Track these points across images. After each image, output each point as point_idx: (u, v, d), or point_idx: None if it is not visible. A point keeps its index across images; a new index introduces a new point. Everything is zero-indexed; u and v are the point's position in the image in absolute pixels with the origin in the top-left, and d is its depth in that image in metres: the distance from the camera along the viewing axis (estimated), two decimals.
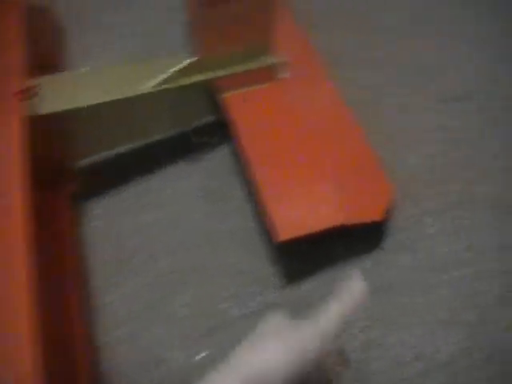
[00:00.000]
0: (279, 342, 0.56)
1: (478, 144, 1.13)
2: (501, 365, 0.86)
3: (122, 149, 1.08)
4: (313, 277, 0.95)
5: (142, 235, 1.01)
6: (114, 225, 1.02)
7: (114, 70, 1.02)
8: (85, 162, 1.05)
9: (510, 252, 0.98)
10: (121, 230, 1.02)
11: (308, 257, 0.96)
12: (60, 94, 0.93)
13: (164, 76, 0.98)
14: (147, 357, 0.89)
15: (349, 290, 0.60)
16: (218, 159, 1.09)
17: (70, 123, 0.93)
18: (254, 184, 0.92)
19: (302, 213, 0.89)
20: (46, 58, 1.13)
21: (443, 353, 0.87)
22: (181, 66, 0.99)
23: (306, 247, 0.96)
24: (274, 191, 0.91)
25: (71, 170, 1.01)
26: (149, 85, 0.97)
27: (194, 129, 1.06)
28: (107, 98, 0.94)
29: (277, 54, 1.05)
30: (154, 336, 0.91)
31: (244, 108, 1.01)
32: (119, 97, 0.95)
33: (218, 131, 1.08)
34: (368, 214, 0.90)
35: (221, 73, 1.01)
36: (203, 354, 0.89)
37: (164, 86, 0.98)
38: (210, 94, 1.03)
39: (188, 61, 0.99)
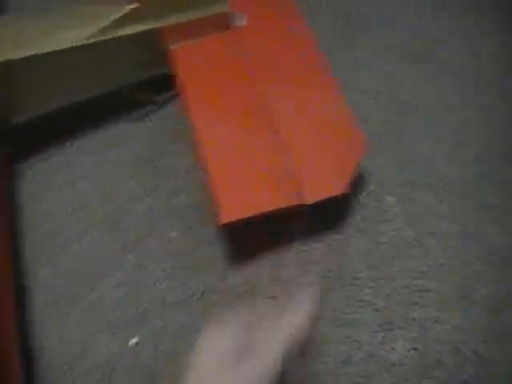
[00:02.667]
0: None
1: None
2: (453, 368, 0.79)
3: (58, 106, 0.95)
4: (257, 260, 0.85)
5: (76, 205, 0.91)
6: (46, 190, 0.92)
7: (45, 17, 0.89)
8: (18, 120, 0.93)
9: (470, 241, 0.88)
10: (53, 196, 0.92)
11: (254, 237, 0.87)
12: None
13: (101, 25, 0.86)
14: (77, 339, 0.80)
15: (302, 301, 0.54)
16: (162, 120, 0.97)
17: (9, 74, 0.82)
18: (199, 153, 0.81)
19: (249, 191, 0.78)
20: None
21: (394, 353, 0.79)
22: (120, 13, 0.86)
23: (251, 226, 0.86)
24: (220, 165, 0.80)
25: (5, 130, 0.90)
26: (83, 35, 0.85)
27: (135, 85, 0.94)
28: (38, 51, 0.82)
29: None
30: (82, 319, 0.82)
31: (193, 61, 0.89)
32: (50, 49, 0.82)
33: (164, 88, 0.96)
34: (327, 189, 0.79)
35: (165, 21, 0.89)
36: (135, 340, 0.81)
37: (100, 38, 0.85)
38: (154, 45, 0.90)
39: (128, 7, 0.86)
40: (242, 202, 0.77)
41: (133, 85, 0.94)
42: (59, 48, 0.84)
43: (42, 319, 0.82)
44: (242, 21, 0.94)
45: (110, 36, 0.86)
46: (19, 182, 0.93)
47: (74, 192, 0.92)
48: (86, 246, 0.87)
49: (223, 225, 0.74)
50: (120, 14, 0.86)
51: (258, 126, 0.83)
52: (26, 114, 0.91)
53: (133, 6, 0.86)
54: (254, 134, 0.83)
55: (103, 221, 0.88)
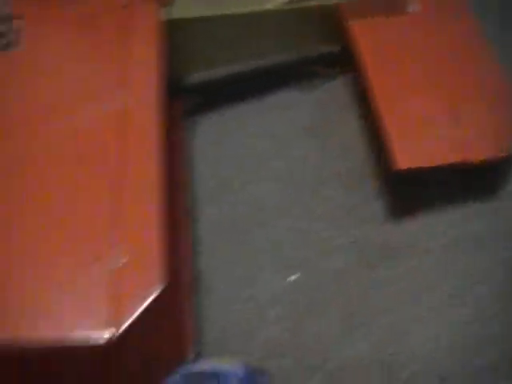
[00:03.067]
0: None
1: None
2: None
3: (236, 69, 1.07)
4: (413, 219, 0.92)
5: (243, 160, 1.00)
6: (218, 145, 1.02)
7: None
8: (197, 78, 1.04)
9: None
10: (224, 150, 1.02)
11: (413, 199, 0.94)
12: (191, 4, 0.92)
13: None
14: (241, 272, 0.89)
15: None
16: (331, 92, 1.06)
17: (197, 31, 0.93)
18: (376, 116, 0.89)
19: (422, 147, 0.87)
20: None
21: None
22: None
23: (413, 185, 0.93)
24: (396, 123, 0.89)
25: (185, 84, 1.01)
26: (274, 3, 0.95)
27: (312, 57, 1.04)
28: (234, 11, 0.93)
29: None
30: (248, 254, 0.90)
31: (370, 37, 0.98)
32: (245, 10, 0.93)
33: (337, 63, 1.05)
34: (489, 150, 0.87)
35: None
36: (294, 277, 0.88)
37: (289, 6, 0.96)
38: (334, 20, 1.00)
39: None
40: (417, 153, 0.85)
41: (308, 57, 1.03)
42: (255, 10, 0.94)
43: (211, 252, 0.91)
44: (415, 7, 1.02)
45: (300, 5, 0.96)
46: (193, 134, 1.04)
47: (246, 146, 1.01)
48: (256, 193, 0.96)
49: (398, 170, 0.82)
50: None
51: (431, 94, 0.91)
52: (200, 71, 1.02)
53: None
54: (426, 98, 0.91)
55: (273, 173, 0.97)
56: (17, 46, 0.79)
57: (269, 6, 0.95)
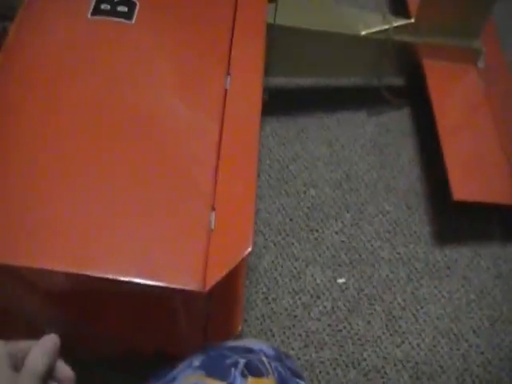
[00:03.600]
0: None
1: None
2: None
3: (309, 82, 1.15)
4: (459, 246, 0.99)
5: (306, 163, 1.07)
6: (282, 146, 1.09)
7: (334, 8, 1.09)
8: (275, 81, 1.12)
9: None
10: (286, 153, 1.08)
11: (462, 227, 1.01)
12: (291, 11, 0.99)
13: (380, 28, 1.04)
14: (290, 265, 0.95)
15: None
16: (395, 118, 1.13)
17: (290, 39, 1.00)
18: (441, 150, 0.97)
19: (480, 182, 0.94)
20: None
21: None
22: (398, 23, 1.04)
23: (462, 218, 1.00)
24: (457, 157, 0.96)
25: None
26: (365, 30, 1.03)
27: (384, 85, 1.12)
28: (332, 29, 1.01)
29: (481, 42, 1.09)
30: (299, 251, 0.96)
31: (442, 78, 1.06)
32: (342, 31, 1.01)
33: (404, 94, 1.13)
34: None
35: (430, 40, 1.06)
36: (342, 280, 0.94)
37: (378, 36, 1.04)
38: (409, 56, 1.08)
39: (405, 21, 1.05)
40: (473, 187, 0.91)
41: (381, 84, 1.11)
42: (350, 33, 1.02)
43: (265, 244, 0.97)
44: (482, 63, 1.11)
45: (385, 37, 1.04)
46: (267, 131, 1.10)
47: (308, 153, 1.08)
48: (314, 195, 1.02)
49: (456, 201, 0.89)
50: (399, 23, 1.04)
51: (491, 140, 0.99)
52: (276, 74, 1.08)
53: (411, 21, 1.04)
54: (487, 142, 0.98)
55: (334, 180, 1.05)
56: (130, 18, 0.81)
57: (362, 33, 1.02)
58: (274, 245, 0.97)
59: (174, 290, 0.61)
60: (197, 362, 0.60)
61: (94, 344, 0.77)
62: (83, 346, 0.72)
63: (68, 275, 0.61)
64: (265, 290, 0.92)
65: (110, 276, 0.60)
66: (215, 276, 0.62)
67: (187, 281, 0.61)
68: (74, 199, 0.64)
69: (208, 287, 0.61)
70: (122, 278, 0.60)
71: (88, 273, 0.60)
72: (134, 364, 0.74)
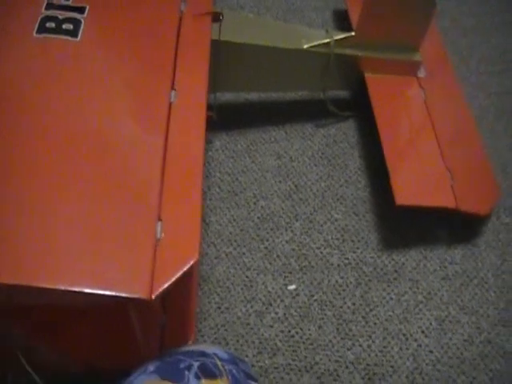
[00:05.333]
0: None
1: None
2: None
3: (258, 97, 1.18)
4: (406, 250, 1.02)
5: (256, 176, 1.09)
6: (231, 160, 1.11)
7: (278, 25, 1.13)
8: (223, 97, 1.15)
9: None
10: (236, 166, 1.10)
11: (409, 232, 1.04)
12: (235, 28, 1.02)
13: (321, 41, 1.08)
14: (242, 275, 0.97)
15: None
16: (343, 129, 1.17)
17: (235, 55, 1.03)
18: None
19: (421, 187, 0.98)
20: None
21: None
22: (339, 36, 1.08)
23: (409, 223, 1.04)
24: (398, 165, 1.01)
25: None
26: (307, 44, 1.07)
27: (330, 99, 1.15)
28: (275, 44, 1.04)
29: (421, 53, 1.14)
30: (251, 261, 0.98)
31: (383, 91, 1.10)
32: (284, 46, 1.05)
33: (350, 106, 1.17)
34: (476, 206, 0.99)
35: (371, 53, 1.11)
36: (293, 287, 0.96)
37: (320, 49, 1.07)
38: (352, 69, 1.12)
39: (346, 34, 1.09)
40: (414, 192, 0.95)
41: (326, 98, 1.15)
42: (291, 47, 1.05)
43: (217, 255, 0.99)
44: (422, 73, 1.16)
45: (328, 51, 1.08)
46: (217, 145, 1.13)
47: (257, 165, 1.11)
48: (264, 206, 1.05)
49: (398, 206, 0.92)
50: (340, 37, 1.08)
51: (430, 148, 1.03)
52: (223, 90, 1.11)
53: (352, 34, 1.08)
54: (426, 150, 1.03)
55: (283, 191, 1.07)
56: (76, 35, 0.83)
57: (305, 46, 1.06)
58: (226, 255, 0.98)
59: (121, 298, 0.62)
60: (151, 367, 0.62)
61: (51, 361, 0.78)
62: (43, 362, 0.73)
63: (15, 288, 0.61)
64: (218, 299, 0.94)
65: (58, 287, 0.61)
66: (162, 284, 0.63)
67: (134, 289, 0.63)
68: (22, 212, 0.65)
69: (154, 295, 0.62)
70: (70, 289, 0.61)
71: (35, 284, 0.61)
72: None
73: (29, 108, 0.74)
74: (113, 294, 0.62)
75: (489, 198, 1.01)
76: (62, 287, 0.61)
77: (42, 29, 0.81)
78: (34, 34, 0.80)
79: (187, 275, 0.65)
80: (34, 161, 0.70)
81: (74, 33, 0.82)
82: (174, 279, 0.64)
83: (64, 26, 0.82)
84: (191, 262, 0.65)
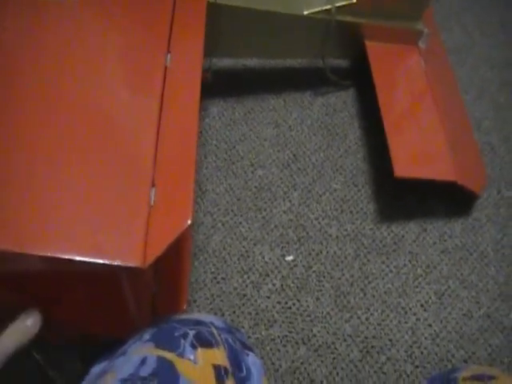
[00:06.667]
0: None
1: None
2: None
3: (256, 64, 1.15)
4: (406, 223, 1.00)
5: (253, 144, 1.07)
6: (228, 127, 1.08)
7: None
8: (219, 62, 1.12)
9: None
10: (233, 134, 1.08)
11: (409, 204, 1.02)
12: None
13: (322, 7, 1.04)
14: (238, 245, 0.95)
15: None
16: (342, 98, 1.14)
17: (233, 19, 1.00)
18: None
19: (421, 159, 0.96)
20: None
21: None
22: (340, 3, 1.05)
23: (408, 195, 1.02)
24: (398, 137, 0.98)
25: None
26: (307, 10, 1.04)
27: (330, 67, 1.12)
28: (274, 8, 1.00)
29: (423, 23, 1.11)
30: (248, 231, 0.96)
31: (384, 59, 1.07)
32: (283, 11, 1.01)
33: (350, 75, 1.14)
34: (472, 183, 0.97)
35: (369, 21, 1.07)
36: (290, 258, 0.94)
37: (321, 16, 1.04)
38: (352, 37, 1.09)
39: (348, 0, 1.05)
40: (413, 164, 0.93)
41: (326, 66, 1.12)
42: (291, 13, 1.02)
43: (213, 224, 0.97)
44: (424, 44, 1.13)
45: (328, 17, 1.04)
46: (214, 112, 1.10)
47: (255, 133, 1.08)
48: (262, 175, 1.02)
49: (396, 177, 0.90)
50: (341, 3, 1.05)
51: (430, 118, 1.01)
52: (220, 56, 1.08)
53: (353, 1, 1.05)
54: (426, 121, 1.01)
55: (281, 160, 1.05)
56: None
57: (305, 12, 1.02)
58: (223, 225, 0.96)
59: (115, 267, 0.61)
60: (147, 335, 0.61)
61: (48, 330, 0.76)
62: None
63: (4, 255, 0.59)
64: (213, 269, 0.92)
65: (49, 254, 0.59)
66: (155, 251, 0.61)
67: (127, 257, 0.61)
68: (11, 179, 0.63)
69: (148, 263, 0.61)
70: (61, 256, 0.59)
71: (25, 251, 0.59)
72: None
73: (20, 70, 0.72)
74: (105, 262, 0.60)
75: (480, 178, 1.00)
76: (53, 254, 0.58)
77: None
78: None
79: (183, 241, 0.63)
80: (21, 125, 0.67)
81: None
82: (166, 246, 0.62)
83: None
84: (183, 227, 0.63)
